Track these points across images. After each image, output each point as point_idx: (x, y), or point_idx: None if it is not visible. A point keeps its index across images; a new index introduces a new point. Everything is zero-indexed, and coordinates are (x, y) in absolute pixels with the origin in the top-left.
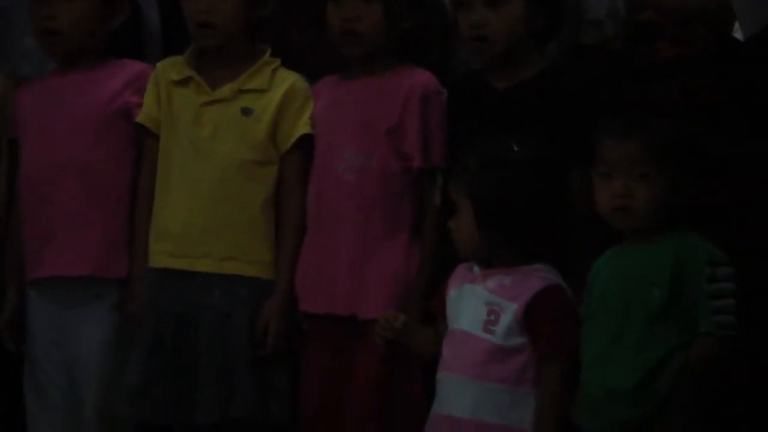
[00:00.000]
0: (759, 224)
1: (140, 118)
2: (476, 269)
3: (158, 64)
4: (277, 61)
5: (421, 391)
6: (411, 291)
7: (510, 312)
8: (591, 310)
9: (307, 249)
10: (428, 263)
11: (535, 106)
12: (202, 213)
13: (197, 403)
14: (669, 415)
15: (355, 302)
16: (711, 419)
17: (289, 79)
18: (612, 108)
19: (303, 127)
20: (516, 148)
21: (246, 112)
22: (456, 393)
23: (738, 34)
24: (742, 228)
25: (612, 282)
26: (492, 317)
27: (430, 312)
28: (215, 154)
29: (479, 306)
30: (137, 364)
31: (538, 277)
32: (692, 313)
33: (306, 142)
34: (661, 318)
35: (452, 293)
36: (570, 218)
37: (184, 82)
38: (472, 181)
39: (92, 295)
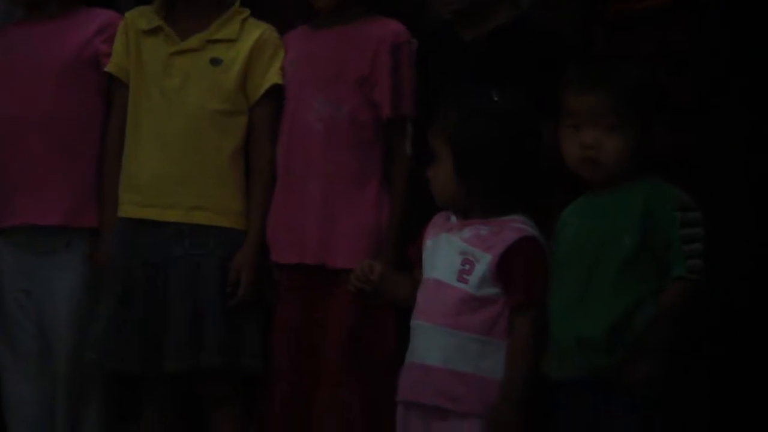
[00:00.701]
0: (725, 173)
1: (109, 67)
2: (453, 219)
3: (127, 14)
4: (247, 11)
5: (394, 339)
6: (382, 240)
7: (484, 262)
8: (560, 259)
9: (277, 199)
10: (399, 212)
11: (504, 56)
12: (171, 163)
13: (167, 352)
14: (641, 360)
15: (325, 252)
16: (682, 364)
17: (258, 29)
18: (581, 59)
19: (273, 77)
20: (496, 98)
21: (215, 62)
22: (428, 341)
23: None
24: (708, 177)
25: (581, 231)
26: (466, 267)
27: (407, 260)
28: (184, 104)
29: (454, 255)
30: (106, 313)
31: (513, 228)
32: (663, 259)
33: (276, 92)
34: (631, 265)
35: (428, 242)
36: (546, 169)
37: (153, 32)
38: (452, 130)
39: (63, 243)
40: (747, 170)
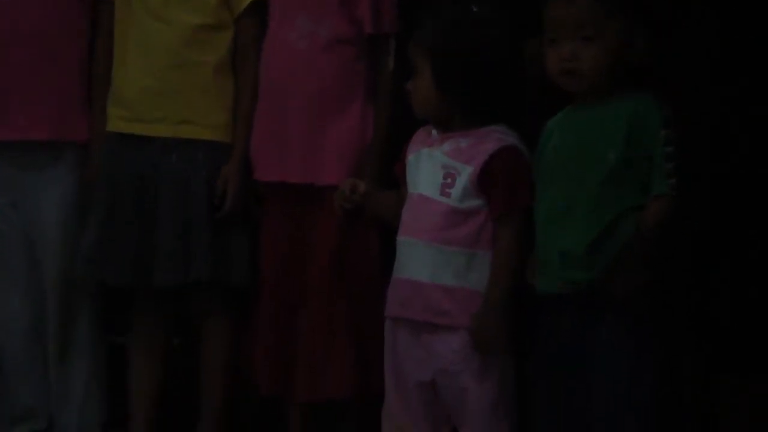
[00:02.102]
0: (702, 84)
1: None
2: (434, 133)
3: None
4: None
5: (379, 256)
6: (367, 156)
7: (465, 175)
8: (544, 171)
9: (259, 117)
10: (383, 128)
11: None
12: (158, 78)
13: (155, 266)
14: (620, 275)
15: (309, 170)
16: (660, 280)
17: None
18: None
19: None
20: (475, 9)
21: None
22: (415, 256)
23: None
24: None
25: (566, 143)
26: (448, 180)
27: (393, 177)
28: (169, 19)
29: (436, 170)
30: (95, 227)
31: (493, 138)
32: (645, 176)
33: (259, 8)
34: (614, 180)
35: (410, 158)
36: (526, 81)
37: None
38: (432, 41)
39: (51, 158)
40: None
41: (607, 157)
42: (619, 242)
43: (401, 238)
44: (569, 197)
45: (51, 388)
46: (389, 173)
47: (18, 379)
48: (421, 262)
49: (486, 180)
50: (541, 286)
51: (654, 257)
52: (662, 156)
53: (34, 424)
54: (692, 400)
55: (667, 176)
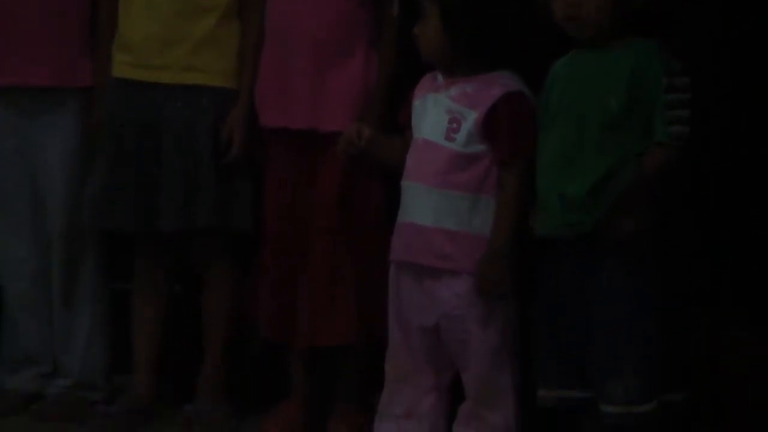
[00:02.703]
0: (714, 29)
1: None
2: (440, 78)
3: None
4: None
5: (383, 201)
6: (370, 102)
7: (470, 119)
8: (548, 116)
9: (264, 64)
10: (387, 73)
11: None
12: (163, 24)
13: (160, 212)
14: (620, 219)
15: (314, 116)
16: (664, 224)
17: None
18: None
19: None
20: None
21: None
22: (419, 201)
23: None
24: (691, 35)
25: (569, 89)
26: (453, 125)
27: (398, 123)
28: None
29: (441, 115)
30: (100, 173)
31: (499, 84)
32: (648, 123)
33: None
34: (616, 126)
35: (416, 103)
36: (533, 25)
37: None
38: None
39: (55, 104)
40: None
41: (609, 103)
42: (620, 187)
43: (405, 183)
44: (571, 142)
45: (55, 333)
46: (393, 120)
47: (23, 324)
48: (424, 206)
49: (490, 125)
50: (542, 230)
51: (657, 201)
52: (663, 103)
53: (38, 368)
54: (697, 349)
55: (668, 124)
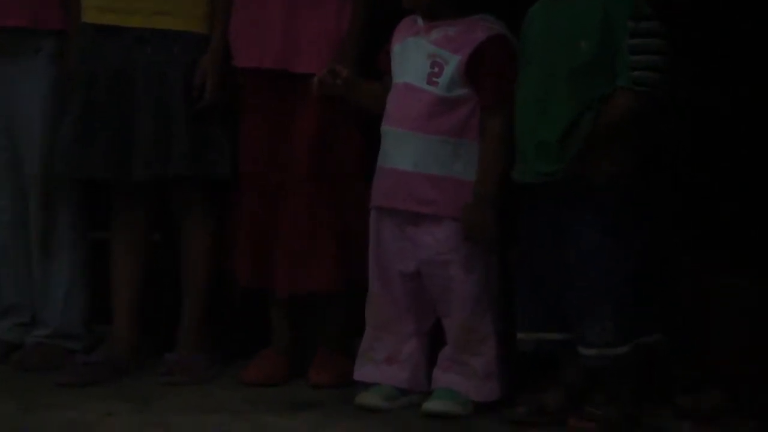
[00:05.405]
0: None
1: None
2: (420, 22)
3: None
4: None
5: (363, 147)
6: (345, 44)
7: (453, 64)
8: (524, 60)
9: (239, 5)
10: (362, 16)
11: None
12: None
13: (133, 160)
14: (593, 165)
15: (287, 57)
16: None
17: None
18: None
19: None
20: None
21: None
22: (400, 146)
23: None
24: None
25: (544, 31)
26: (435, 69)
27: (378, 68)
28: None
29: (422, 58)
30: (71, 121)
31: (482, 27)
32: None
33: None
34: (586, 70)
35: (396, 47)
36: None
37: None
38: None
39: (32, 49)
40: None
41: (579, 47)
42: (582, 133)
43: (385, 128)
44: (544, 89)
45: (34, 283)
46: (371, 67)
47: (1, 275)
48: (406, 151)
49: (473, 69)
50: (518, 176)
51: (633, 146)
52: (626, 48)
53: (17, 317)
54: (683, 293)
55: (631, 69)
